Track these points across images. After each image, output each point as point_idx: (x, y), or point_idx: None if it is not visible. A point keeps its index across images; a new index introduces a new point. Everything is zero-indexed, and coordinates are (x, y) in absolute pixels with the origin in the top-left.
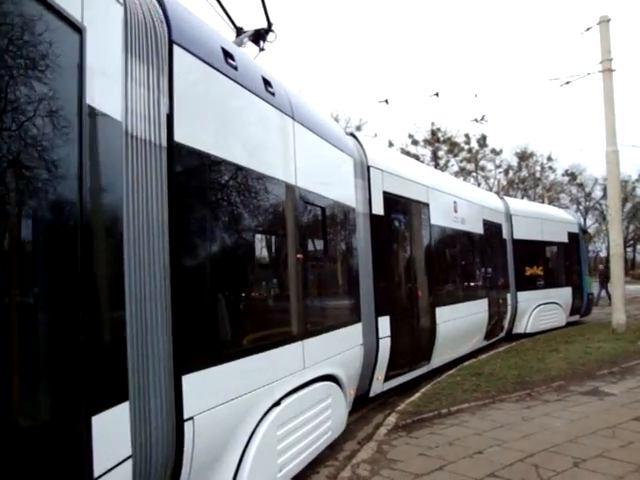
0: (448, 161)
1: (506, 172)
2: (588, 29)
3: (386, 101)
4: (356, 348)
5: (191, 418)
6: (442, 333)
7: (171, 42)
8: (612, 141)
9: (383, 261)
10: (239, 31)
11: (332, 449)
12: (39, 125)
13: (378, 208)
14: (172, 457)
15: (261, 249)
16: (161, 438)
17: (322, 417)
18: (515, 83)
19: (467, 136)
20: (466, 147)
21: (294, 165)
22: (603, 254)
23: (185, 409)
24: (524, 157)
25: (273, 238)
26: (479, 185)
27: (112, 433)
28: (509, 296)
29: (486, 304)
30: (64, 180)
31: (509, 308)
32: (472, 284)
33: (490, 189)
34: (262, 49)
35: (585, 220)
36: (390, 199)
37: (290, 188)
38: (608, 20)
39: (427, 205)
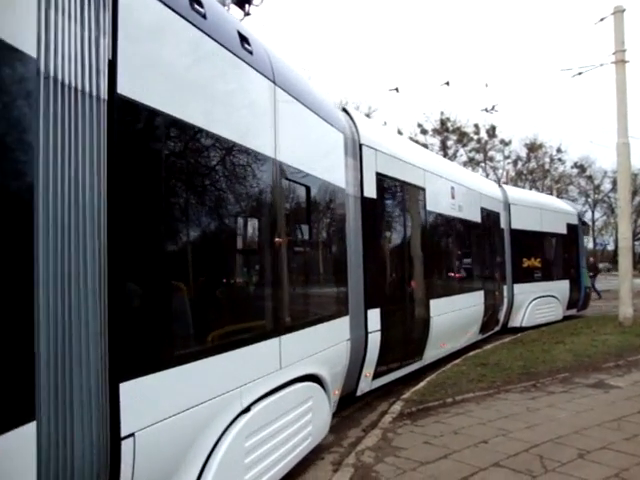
0: (457, 151)
1: (515, 163)
2: (602, 19)
3: (396, 89)
4: (342, 344)
5: (131, 435)
6: (436, 327)
7: None
8: (623, 133)
9: (375, 249)
10: None
11: (337, 435)
12: None
13: (370, 191)
14: None
15: (229, 230)
16: (88, 464)
17: (301, 422)
18: (526, 73)
19: (476, 126)
20: (475, 137)
21: (274, 136)
22: (611, 247)
23: (123, 425)
24: (533, 148)
25: (244, 218)
26: (487, 176)
27: (8, 467)
28: (505, 288)
29: (482, 296)
30: None
31: (505, 301)
32: (468, 275)
33: (498, 180)
34: (247, 13)
35: (593, 213)
36: (384, 181)
37: (268, 161)
38: (623, 10)
39: (423, 190)
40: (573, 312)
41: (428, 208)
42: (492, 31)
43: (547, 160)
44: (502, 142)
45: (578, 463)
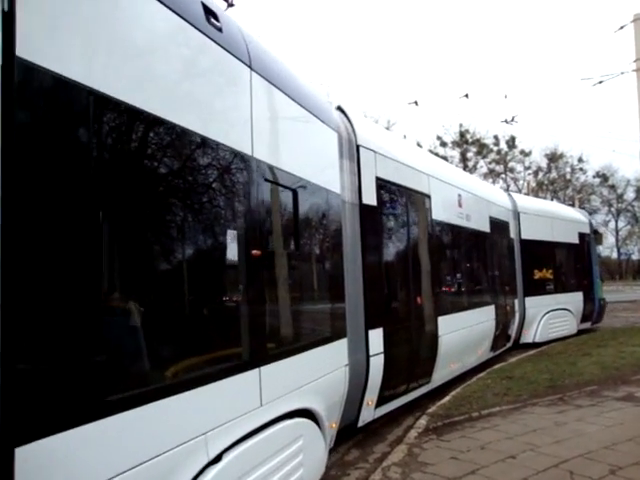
0: (477, 163)
1: (535, 174)
2: (622, 27)
3: (415, 102)
4: (339, 370)
5: None
6: (445, 346)
7: None
8: None
9: (376, 262)
10: None
11: (362, 451)
12: None
13: (370, 197)
14: None
15: (185, 239)
16: None
17: (290, 467)
18: (546, 83)
19: (496, 137)
20: (495, 148)
21: (250, 129)
22: (636, 257)
23: None
24: (554, 158)
25: (204, 221)
26: (508, 187)
27: None
28: (516, 302)
29: (493, 311)
30: None
31: (517, 315)
32: (478, 289)
33: (519, 191)
34: (231, 4)
35: (617, 222)
36: (384, 187)
37: (241, 159)
38: None
39: (428, 197)
40: (587, 326)
41: (434, 217)
42: (511, 42)
43: (568, 170)
44: (522, 153)
45: (610, 479)
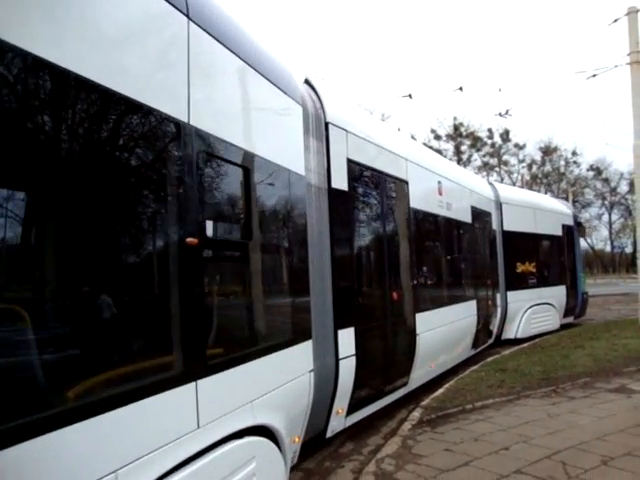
0: (471, 156)
1: (529, 167)
2: (616, 20)
3: (409, 96)
4: (303, 377)
5: None
6: (423, 345)
7: None
8: (639, 134)
9: (347, 254)
10: None
11: (357, 443)
12: None
13: (340, 181)
14: None
15: (89, 223)
16: None
17: None
18: (540, 76)
19: (490, 131)
20: (489, 142)
21: (186, 91)
22: (629, 250)
23: None
24: (548, 151)
25: (125, 205)
26: (502, 180)
27: None
28: (499, 296)
29: (475, 307)
30: None
31: (499, 310)
32: (459, 283)
33: (513, 184)
34: None
35: (610, 215)
36: (357, 170)
37: (173, 126)
38: (637, 11)
39: (406, 183)
40: (570, 320)
41: (412, 205)
42: (505, 35)
43: (562, 163)
44: (516, 146)
45: (602, 470)
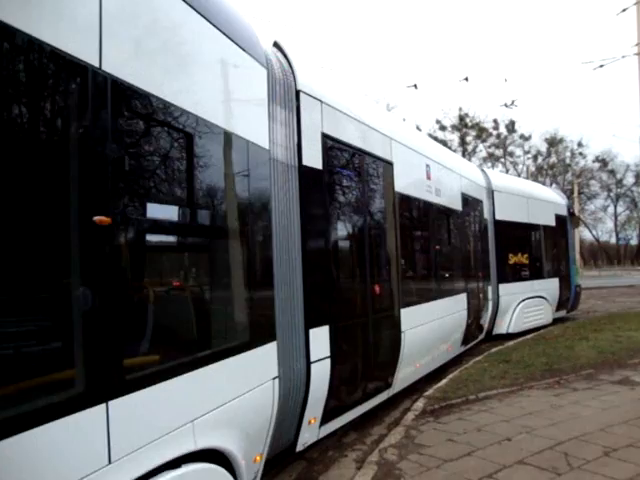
0: (476, 147)
1: (535, 158)
2: (624, 10)
3: (415, 86)
4: (264, 387)
5: None
6: (409, 343)
7: None
8: None
9: (321, 241)
10: None
11: (360, 433)
12: None
13: (313, 158)
14: None
15: None
16: None
17: None
18: (546, 67)
19: (496, 121)
20: (494, 133)
21: (97, 23)
22: (634, 242)
23: None
24: (554, 143)
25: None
26: (507, 172)
27: None
28: (490, 289)
29: (465, 300)
30: None
31: (490, 304)
32: (448, 275)
33: (519, 175)
34: None
35: (616, 207)
36: (334, 147)
37: (77, 70)
38: None
39: (390, 164)
40: (562, 314)
41: (397, 189)
42: (511, 25)
43: (568, 154)
44: (522, 137)
45: (604, 461)
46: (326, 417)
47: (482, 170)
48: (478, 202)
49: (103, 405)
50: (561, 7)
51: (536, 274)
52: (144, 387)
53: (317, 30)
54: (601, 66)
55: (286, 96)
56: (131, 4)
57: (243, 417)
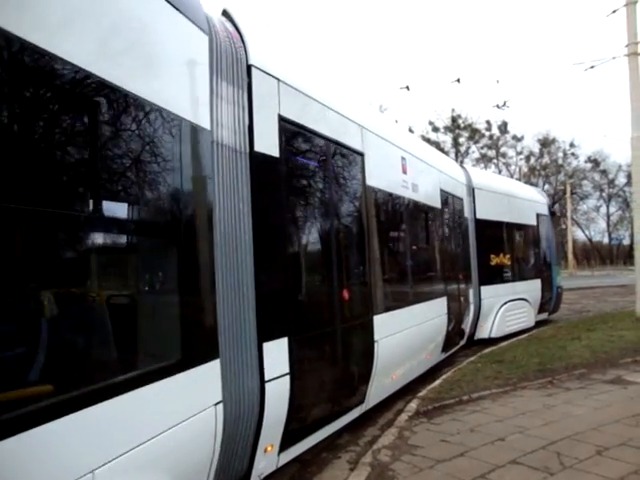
0: (469, 147)
1: (527, 159)
2: (614, 11)
3: (407, 87)
4: (202, 415)
5: None
6: (384, 354)
7: None
8: (637, 127)
9: (278, 240)
10: None
11: (353, 434)
12: None
13: (268, 144)
14: None
15: None
16: None
17: None
18: (538, 68)
19: (488, 122)
20: (487, 133)
21: None
22: (627, 242)
23: None
24: (546, 143)
25: None
26: (500, 172)
27: None
28: (471, 292)
29: (445, 304)
30: None
31: (472, 307)
32: (427, 278)
33: (511, 176)
34: None
35: (608, 207)
36: (293, 133)
37: None
38: (635, 2)
39: (361, 155)
40: (544, 317)
41: (368, 182)
42: (502, 27)
43: (560, 155)
44: (514, 138)
45: (596, 460)
46: (286, 442)
47: (462, 166)
48: (458, 199)
49: None
50: (552, 8)
51: (518, 276)
52: (11, 433)
53: (309, 32)
54: (592, 67)
55: (235, 70)
56: None
57: (173, 454)
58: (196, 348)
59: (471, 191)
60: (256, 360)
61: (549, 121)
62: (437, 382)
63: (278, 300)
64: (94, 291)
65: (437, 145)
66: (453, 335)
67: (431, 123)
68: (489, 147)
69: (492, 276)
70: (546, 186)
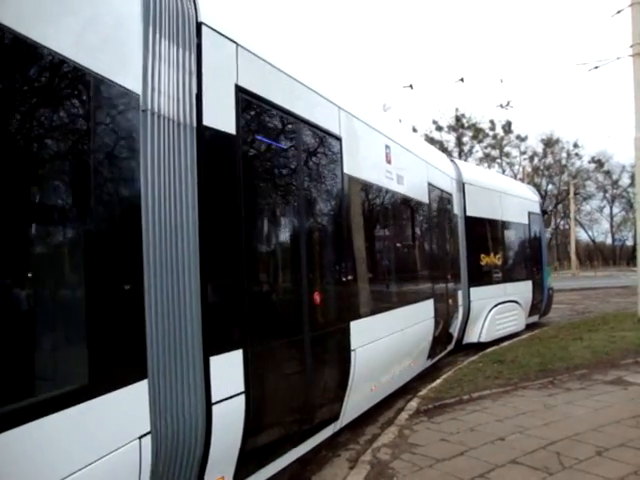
0: (472, 147)
1: (531, 159)
2: (619, 12)
3: (410, 86)
4: (120, 452)
5: None
6: (362, 365)
7: None
8: None
9: (233, 234)
10: None
11: (353, 433)
12: None
13: (222, 118)
14: None
15: None
16: None
17: None
18: (542, 68)
19: (492, 122)
20: (491, 133)
21: None
22: (630, 243)
23: None
24: (550, 143)
25: None
26: (504, 172)
27: None
28: (460, 294)
29: (432, 307)
30: None
31: (460, 310)
32: (412, 278)
33: (515, 176)
34: None
35: (612, 208)
36: (254, 107)
37: None
38: None
39: (338, 139)
40: (535, 319)
41: (346, 170)
42: (506, 26)
43: (564, 155)
44: (518, 138)
45: (596, 460)
46: (242, 472)
47: (452, 160)
48: (447, 194)
49: None
50: (556, 8)
51: (509, 276)
52: None
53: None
54: (596, 67)
55: (179, 27)
56: None
57: None
58: (109, 367)
59: (461, 186)
60: (201, 378)
61: (553, 121)
62: (438, 381)
63: (232, 305)
64: None
65: (441, 144)
66: (440, 340)
67: (435, 122)
68: (493, 147)
69: (482, 277)
70: (549, 186)
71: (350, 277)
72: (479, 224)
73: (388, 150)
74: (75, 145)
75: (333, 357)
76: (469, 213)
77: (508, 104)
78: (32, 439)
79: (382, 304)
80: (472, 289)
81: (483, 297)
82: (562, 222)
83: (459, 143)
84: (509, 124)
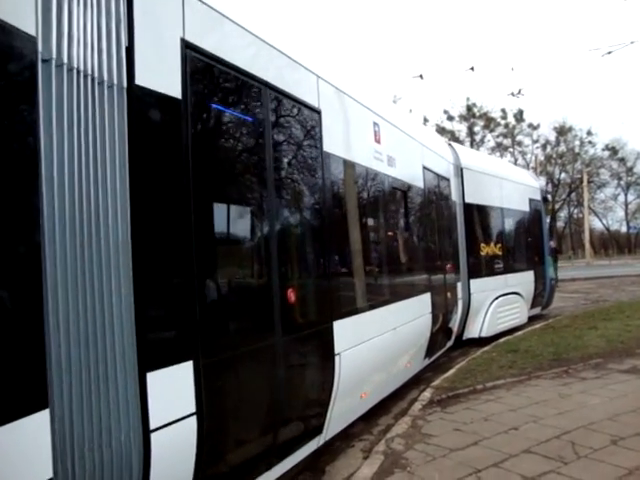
0: (484, 136)
1: (544, 147)
2: None
3: (420, 76)
4: None
5: None
6: (348, 370)
7: None
8: None
9: (180, 219)
10: None
11: (367, 423)
12: None
13: (162, 78)
14: None
15: None
16: None
17: None
18: (554, 55)
19: (503, 111)
20: (502, 122)
21: None
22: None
23: None
24: (562, 131)
25: None
26: (516, 161)
27: None
28: (459, 286)
29: (429, 302)
30: None
31: (460, 304)
32: (407, 270)
33: (527, 165)
34: None
35: (626, 196)
36: (208, 68)
37: None
38: None
39: (317, 112)
40: (537, 311)
41: (326, 148)
42: (517, 13)
43: (577, 143)
44: (530, 126)
45: (611, 450)
46: None
47: (449, 143)
48: (444, 180)
49: None
50: None
51: (510, 267)
52: None
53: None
54: (609, 53)
55: None
56: None
57: None
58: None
59: (459, 171)
60: (134, 400)
61: (565, 109)
62: (451, 371)
63: (176, 307)
64: None
65: (452, 134)
66: (438, 337)
67: (446, 112)
68: (505, 136)
69: (483, 268)
70: (562, 175)
71: (332, 271)
72: (479, 211)
73: (377, 128)
74: None
75: (312, 363)
76: (468, 200)
77: (519, 92)
78: None
79: (371, 300)
80: (472, 281)
81: (484, 289)
82: (576, 210)
83: (471, 133)
84: (521, 112)
